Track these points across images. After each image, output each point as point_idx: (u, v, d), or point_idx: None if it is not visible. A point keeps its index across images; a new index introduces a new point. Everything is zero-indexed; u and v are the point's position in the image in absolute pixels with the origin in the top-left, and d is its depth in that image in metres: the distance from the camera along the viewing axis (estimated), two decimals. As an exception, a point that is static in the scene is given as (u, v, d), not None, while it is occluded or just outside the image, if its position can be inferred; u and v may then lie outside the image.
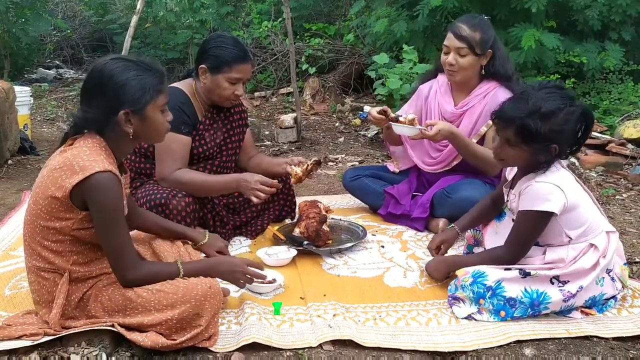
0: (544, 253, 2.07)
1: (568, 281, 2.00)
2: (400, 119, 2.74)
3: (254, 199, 2.52)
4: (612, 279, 2.08)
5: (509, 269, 2.04)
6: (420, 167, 3.04)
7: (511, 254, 2.08)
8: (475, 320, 2.02)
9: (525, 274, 2.01)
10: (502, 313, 2.00)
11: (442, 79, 2.98)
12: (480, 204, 2.43)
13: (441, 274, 2.24)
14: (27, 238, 1.83)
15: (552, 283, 2.01)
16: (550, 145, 1.97)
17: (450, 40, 2.77)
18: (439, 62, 3.04)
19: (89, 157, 1.73)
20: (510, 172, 2.24)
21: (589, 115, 2.02)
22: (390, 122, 2.78)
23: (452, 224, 2.47)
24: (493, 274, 2.03)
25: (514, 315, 2.00)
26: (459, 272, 2.10)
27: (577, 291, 1.99)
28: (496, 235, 2.28)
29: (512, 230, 2.09)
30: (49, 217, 1.76)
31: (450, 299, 2.10)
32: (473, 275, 2.04)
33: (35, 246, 1.80)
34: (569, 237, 2.04)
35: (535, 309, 1.99)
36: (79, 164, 1.72)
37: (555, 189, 1.98)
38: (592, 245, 2.03)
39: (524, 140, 1.98)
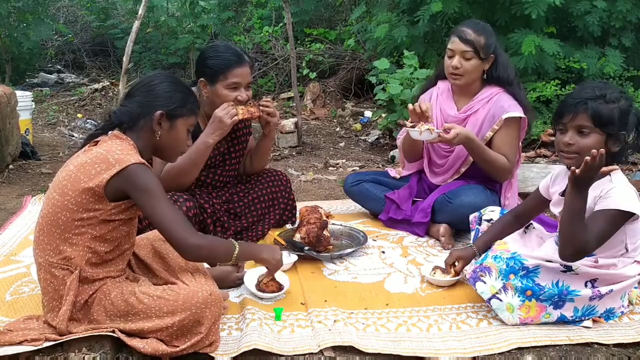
0: (596, 261, 2.04)
1: (601, 286, 2.01)
2: (416, 127, 2.72)
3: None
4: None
5: (551, 260, 2.00)
6: (432, 181, 3.03)
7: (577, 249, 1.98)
8: (499, 300, 1.98)
9: (567, 268, 1.98)
10: (529, 292, 1.97)
11: (442, 85, 2.99)
12: (500, 221, 2.38)
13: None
14: (43, 232, 1.85)
15: (586, 286, 2.00)
16: (620, 132, 1.96)
17: (455, 44, 2.78)
18: (439, 68, 3.06)
19: (122, 151, 1.81)
20: (553, 184, 2.21)
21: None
22: (407, 129, 2.77)
23: (471, 243, 2.43)
24: (533, 260, 1.99)
25: (540, 297, 1.97)
26: (498, 246, 2.10)
27: (607, 293, 1.99)
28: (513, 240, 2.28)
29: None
30: (77, 209, 1.79)
31: (474, 274, 2.04)
32: (512, 254, 2.00)
33: (53, 240, 1.82)
34: (626, 249, 2.03)
35: (562, 298, 1.97)
36: (113, 157, 1.79)
37: (635, 194, 1.98)
38: (636, 261, 2.06)
39: (597, 123, 1.96)
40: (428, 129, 2.68)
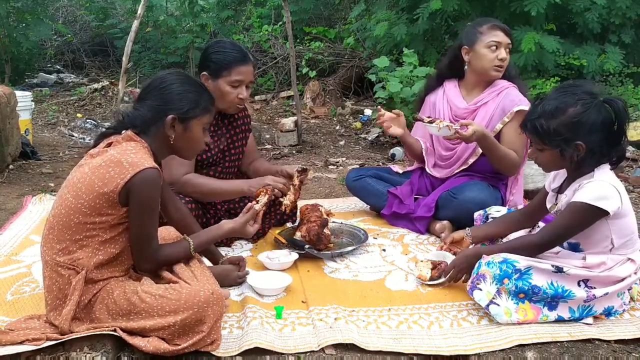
0: (584, 258, 2.05)
1: (595, 287, 2.00)
2: (434, 123, 2.73)
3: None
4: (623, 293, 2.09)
5: (541, 262, 2.01)
6: (435, 174, 3.04)
7: (543, 240, 2.04)
8: (497, 305, 1.98)
9: (558, 269, 1.98)
10: (522, 295, 1.98)
11: (449, 84, 3.00)
12: (505, 217, 2.38)
13: (472, 267, 2.12)
14: (53, 231, 1.84)
15: (579, 285, 2.00)
16: (574, 142, 1.95)
17: (500, 36, 2.80)
18: (441, 67, 3.07)
19: (136, 155, 1.81)
20: (554, 181, 2.21)
21: (615, 104, 1.95)
22: (425, 124, 2.77)
23: (468, 230, 2.40)
24: (524, 261, 2.00)
25: (532, 299, 1.98)
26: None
27: (602, 296, 1.98)
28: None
29: (554, 219, 2.07)
30: (91, 212, 1.80)
31: (471, 284, 2.05)
32: (504, 257, 2.01)
33: (63, 240, 1.82)
34: (613, 245, 2.02)
35: (556, 301, 1.98)
36: (127, 160, 1.79)
37: (613, 190, 1.96)
38: (629, 259, 2.04)
39: (542, 140, 2.01)
40: (447, 126, 2.68)
